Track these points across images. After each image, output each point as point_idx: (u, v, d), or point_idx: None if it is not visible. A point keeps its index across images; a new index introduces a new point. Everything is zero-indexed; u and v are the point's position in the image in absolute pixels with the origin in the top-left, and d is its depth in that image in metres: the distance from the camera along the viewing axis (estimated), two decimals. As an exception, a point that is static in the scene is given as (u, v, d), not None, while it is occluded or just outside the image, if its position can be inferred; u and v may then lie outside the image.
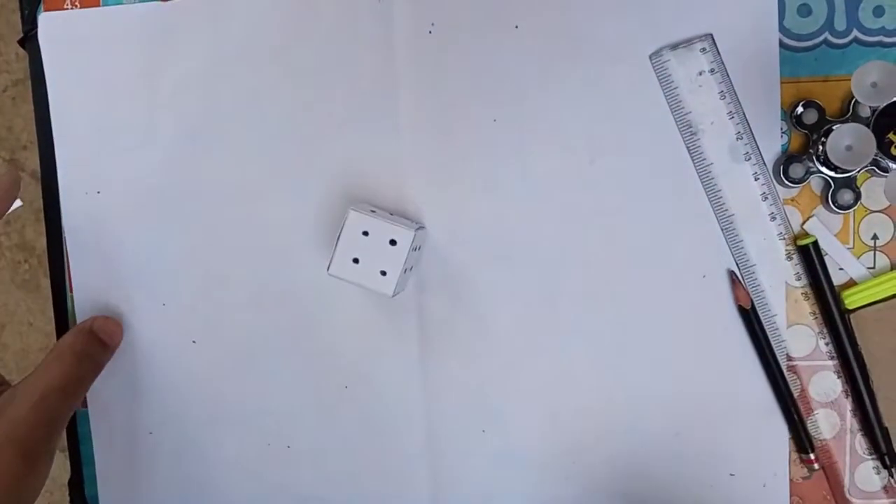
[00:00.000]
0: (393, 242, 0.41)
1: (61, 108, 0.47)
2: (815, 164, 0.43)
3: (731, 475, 0.47)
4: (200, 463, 0.49)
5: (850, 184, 0.43)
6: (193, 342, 0.48)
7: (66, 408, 0.44)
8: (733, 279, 0.45)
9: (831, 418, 0.46)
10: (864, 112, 0.43)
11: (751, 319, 0.45)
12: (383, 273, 0.41)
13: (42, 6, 0.47)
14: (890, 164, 0.42)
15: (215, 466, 0.49)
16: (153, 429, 0.49)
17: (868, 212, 0.45)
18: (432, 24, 0.45)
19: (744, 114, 0.44)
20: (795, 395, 0.46)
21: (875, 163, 0.43)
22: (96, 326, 0.46)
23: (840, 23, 0.43)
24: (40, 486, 0.42)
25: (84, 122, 0.47)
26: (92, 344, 0.46)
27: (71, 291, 0.48)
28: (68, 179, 0.47)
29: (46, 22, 0.47)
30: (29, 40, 0.47)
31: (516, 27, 0.44)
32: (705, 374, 0.46)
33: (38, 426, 0.41)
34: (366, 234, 0.41)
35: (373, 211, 0.43)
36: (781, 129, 0.44)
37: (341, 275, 0.42)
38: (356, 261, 0.42)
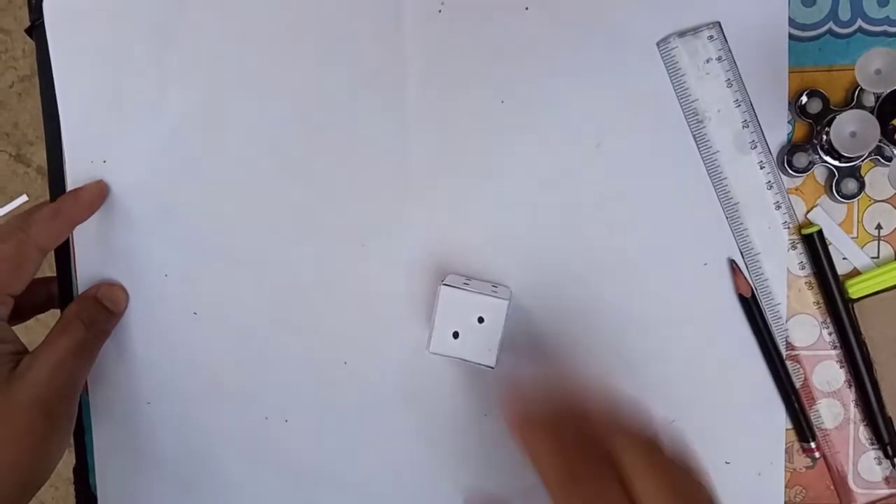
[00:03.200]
0: (488, 314, 0.41)
1: (67, 79, 0.47)
2: (819, 153, 0.43)
3: (727, 463, 0.47)
4: (197, 434, 0.49)
5: (854, 173, 0.44)
6: (194, 314, 0.48)
7: (81, 370, 0.45)
8: (733, 268, 0.45)
9: (834, 408, 0.46)
10: (868, 101, 0.43)
11: (751, 308, 0.45)
12: (484, 347, 0.42)
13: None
14: (894, 151, 0.42)
15: (212, 438, 0.49)
16: (151, 399, 0.49)
17: (872, 201, 0.45)
18: (442, 4, 0.45)
19: (750, 102, 0.44)
20: (798, 384, 0.46)
21: (879, 151, 0.43)
22: (101, 294, 0.47)
23: (844, 12, 0.44)
24: (63, 447, 0.44)
25: (90, 94, 0.47)
26: (97, 311, 0.46)
27: (75, 268, 0.48)
28: (74, 147, 0.47)
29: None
30: (36, 29, 0.47)
31: (526, 9, 0.45)
32: (703, 362, 0.47)
33: (58, 387, 0.43)
34: (460, 307, 0.41)
35: (466, 283, 0.43)
36: (787, 118, 0.45)
37: (441, 351, 0.42)
38: (455, 335, 0.42)
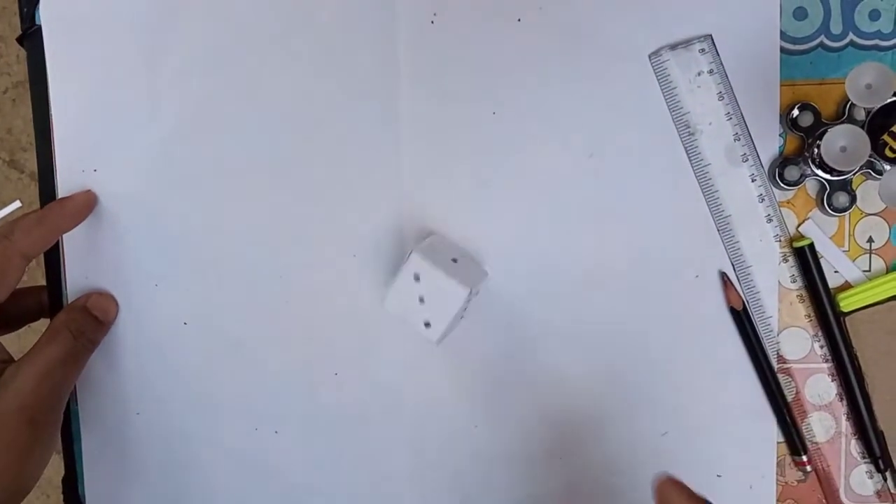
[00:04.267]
0: (447, 294, 0.41)
1: (60, 86, 0.47)
2: (810, 166, 0.43)
3: (718, 476, 0.47)
4: (187, 445, 0.49)
5: (846, 186, 0.44)
6: (185, 324, 0.48)
7: (68, 380, 0.45)
8: (725, 280, 0.45)
9: (826, 421, 0.46)
10: (860, 115, 0.43)
11: (742, 321, 0.45)
12: (428, 324, 0.41)
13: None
14: (885, 166, 0.42)
15: (202, 449, 0.49)
16: (140, 409, 0.49)
17: (863, 215, 0.45)
18: (434, 15, 0.45)
19: (742, 115, 0.44)
20: (790, 398, 0.46)
21: (870, 165, 0.43)
22: (90, 303, 0.47)
23: (836, 26, 0.44)
24: (48, 456, 0.43)
25: (83, 101, 0.47)
26: (86, 321, 0.46)
27: (64, 277, 0.48)
28: (66, 156, 0.47)
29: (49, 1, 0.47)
30: (28, 38, 0.47)
31: (519, 20, 0.45)
32: (695, 375, 0.46)
33: (43, 397, 0.43)
34: (418, 278, 0.41)
35: (439, 253, 0.43)
36: (778, 131, 0.45)
37: (394, 312, 0.42)
38: (412, 301, 0.41)
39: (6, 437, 0.41)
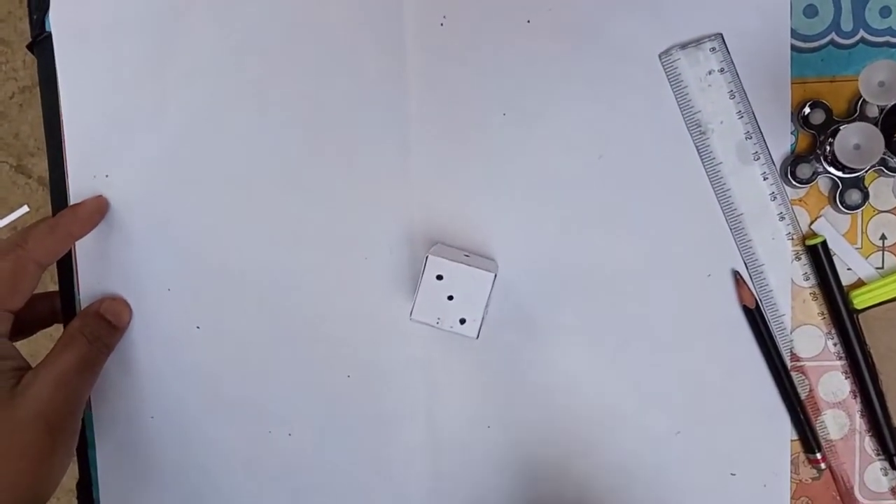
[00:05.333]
0: (475, 283, 0.41)
1: (71, 93, 0.47)
2: (822, 164, 0.43)
3: (732, 474, 0.47)
4: (201, 448, 0.49)
5: (858, 184, 0.44)
6: (197, 328, 0.48)
7: (84, 386, 0.45)
8: (737, 279, 0.45)
9: (839, 419, 0.46)
10: (872, 113, 0.43)
11: (755, 319, 0.45)
12: (463, 320, 0.41)
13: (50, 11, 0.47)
14: (898, 163, 0.42)
15: (216, 452, 0.49)
16: (155, 413, 0.49)
17: (876, 212, 0.45)
18: (444, 17, 0.45)
19: (753, 113, 0.44)
20: (804, 395, 0.46)
21: (883, 162, 0.43)
22: (104, 308, 0.47)
23: (847, 23, 0.43)
24: (66, 463, 0.44)
25: (94, 107, 0.47)
26: (100, 326, 0.46)
27: (77, 283, 0.48)
28: (77, 163, 0.47)
29: (58, 5, 0.47)
30: (37, 45, 0.47)
31: (528, 22, 0.45)
32: (708, 373, 0.46)
33: (61, 403, 0.43)
34: (441, 278, 0.41)
35: (453, 254, 0.43)
36: (790, 128, 0.44)
37: (424, 320, 0.41)
38: (441, 302, 0.41)
39: (24, 444, 0.41)
